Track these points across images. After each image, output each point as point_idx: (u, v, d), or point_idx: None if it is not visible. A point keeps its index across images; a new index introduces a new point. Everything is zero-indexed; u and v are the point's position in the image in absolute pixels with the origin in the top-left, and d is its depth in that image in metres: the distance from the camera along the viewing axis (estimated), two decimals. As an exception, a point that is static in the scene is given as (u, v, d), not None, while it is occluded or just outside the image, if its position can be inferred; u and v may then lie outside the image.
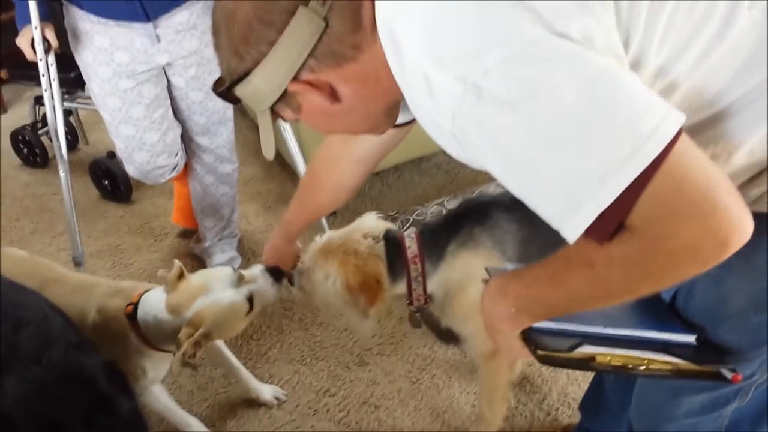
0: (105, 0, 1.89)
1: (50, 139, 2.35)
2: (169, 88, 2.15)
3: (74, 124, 3.52)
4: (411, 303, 1.58)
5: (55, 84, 2.20)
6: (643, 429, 1.25)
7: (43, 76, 2.17)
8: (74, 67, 2.19)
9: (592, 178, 0.69)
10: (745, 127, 0.80)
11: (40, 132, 3.40)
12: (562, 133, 0.69)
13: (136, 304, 1.54)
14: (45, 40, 2.06)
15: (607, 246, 0.73)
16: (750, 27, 0.75)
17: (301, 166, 2.45)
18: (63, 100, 2.42)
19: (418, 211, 2.52)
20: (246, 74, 0.86)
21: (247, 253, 2.68)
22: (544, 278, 0.86)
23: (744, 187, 0.83)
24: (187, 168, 2.39)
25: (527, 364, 2.03)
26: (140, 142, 2.14)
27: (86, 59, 2.04)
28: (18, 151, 3.48)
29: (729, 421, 1.14)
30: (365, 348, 2.19)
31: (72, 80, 2.90)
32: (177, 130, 2.22)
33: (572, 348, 0.91)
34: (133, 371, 1.58)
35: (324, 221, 2.37)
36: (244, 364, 2.02)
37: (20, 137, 3.43)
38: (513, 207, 1.50)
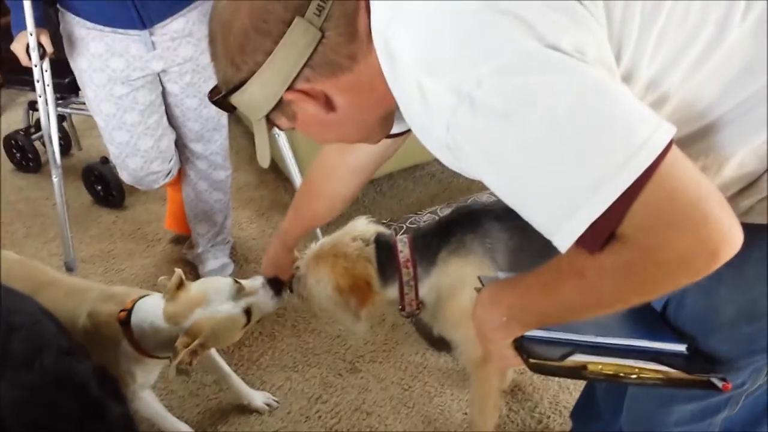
0: (101, 6, 1.90)
1: (43, 144, 2.35)
2: (164, 94, 2.15)
3: (68, 129, 3.51)
4: (403, 308, 1.59)
5: (49, 89, 2.21)
6: (634, 437, 1.25)
7: (38, 81, 2.17)
8: (68, 72, 2.19)
9: (584, 187, 0.69)
10: (735, 139, 0.81)
11: (33, 137, 3.39)
12: (555, 143, 0.69)
13: (129, 311, 1.54)
14: (40, 45, 2.07)
15: (599, 256, 0.73)
16: (741, 40, 0.76)
17: (294, 174, 2.45)
18: (57, 105, 2.41)
19: (411, 219, 2.53)
20: (242, 83, 0.86)
21: (239, 260, 2.67)
22: (536, 287, 0.87)
23: (734, 198, 0.84)
24: (181, 174, 2.39)
25: (519, 371, 2.03)
26: (134, 148, 2.14)
27: (81, 65, 2.04)
28: (11, 155, 3.47)
29: (720, 429, 1.14)
30: (357, 355, 2.19)
31: (66, 86, 2.90)
32: (171, 137, 2.22)
33: (564, 357, 0.92)
34: (123, 377, 1.58)
35: (318, 229, 2.36)
36: (236, 371, 2.01)
37: (13, 142, 3.42)
38: (505, 216, 1.51)
